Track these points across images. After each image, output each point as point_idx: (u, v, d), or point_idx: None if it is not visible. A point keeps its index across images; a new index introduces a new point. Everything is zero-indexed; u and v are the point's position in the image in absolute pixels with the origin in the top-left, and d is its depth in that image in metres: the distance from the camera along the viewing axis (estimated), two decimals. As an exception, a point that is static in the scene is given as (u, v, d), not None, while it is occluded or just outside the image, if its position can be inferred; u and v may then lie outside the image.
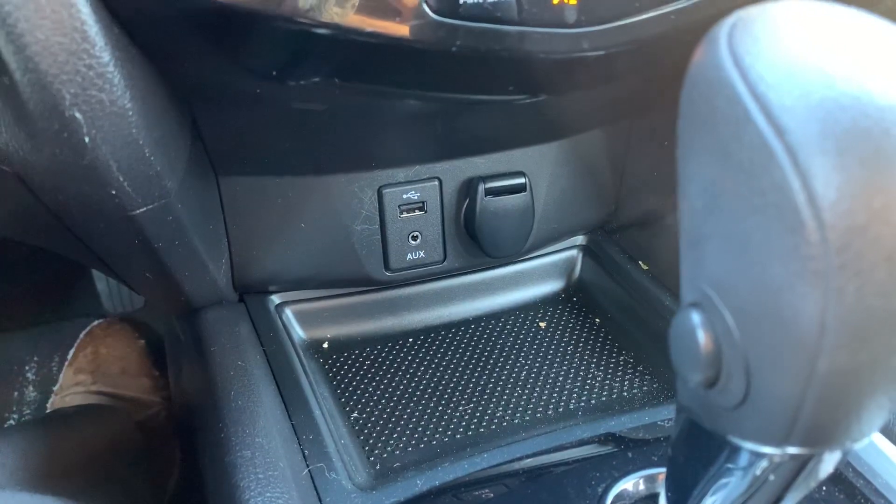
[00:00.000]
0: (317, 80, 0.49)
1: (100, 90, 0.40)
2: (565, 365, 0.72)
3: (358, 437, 0.63)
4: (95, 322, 1.32)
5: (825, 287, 0.25)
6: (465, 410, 0.67)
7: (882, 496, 0.49)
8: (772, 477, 0.33)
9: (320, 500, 0.51)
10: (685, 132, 0.30)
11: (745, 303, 0.28)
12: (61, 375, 1.28)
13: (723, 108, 0.27)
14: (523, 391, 0.69)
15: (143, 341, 1.29)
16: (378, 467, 0.60)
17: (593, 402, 0.67)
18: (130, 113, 0.42)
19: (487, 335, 0.77)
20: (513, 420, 0.65)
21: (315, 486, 0.52)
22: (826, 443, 0.30)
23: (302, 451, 0.55)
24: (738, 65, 0.26)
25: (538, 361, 0.73)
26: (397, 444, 0.63)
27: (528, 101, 0.59)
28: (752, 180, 0.26)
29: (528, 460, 0.55)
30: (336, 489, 0.52)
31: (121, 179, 0.45)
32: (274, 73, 0.47)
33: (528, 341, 0.76)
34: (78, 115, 0.40)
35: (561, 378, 0.70)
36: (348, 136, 0.63)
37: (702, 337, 0.30)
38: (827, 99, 0.24)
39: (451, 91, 0.54)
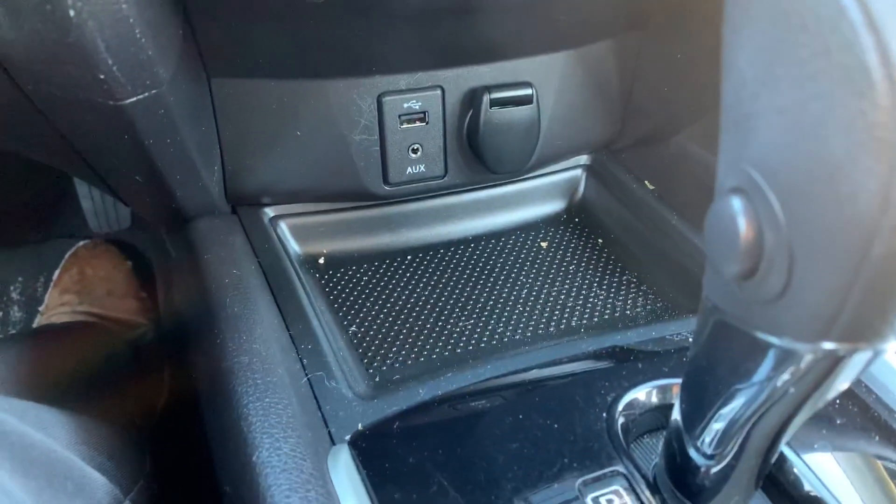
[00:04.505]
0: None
1: (85, -45, 0.36)
2: (567, 284, 0.71)
3: (357, 350, 0.62)
4: (81, 243, 1.30)
5: (892, 159, 0.23)
6: (465, 326, 0.65)
7: (893, 412, 0.49)
8: (793, 386, 0.32)
9: (319, 407, 0.50)
10: (737, -3, 0.27)
11: (795, 183, 0.26)
12: (47, 296, 1.27)
13: (786, -38, 0.24)
14: (524, 308, 0.67)
15: (129, 263, 1.28)
16: (377, 379, 0.59)
17: (596, 319, 0.66)
18: (119, -15, 0.39)
19: (488, 254, 0.75)
20: (514, 336, 0.64)
21: (314, 394, 0.51)
22: (868, 337, 0.28)
23: (300, 360, 0.54)
24: (804, -88, 0.24)
25: (539, 280, 0.71)
26: (396, 358, 0.62)
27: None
28: (815, 41, 0.23)
29: (533, 372, 0.54)
30: (336, 397, 0.51)
31: (109, 62, 0.41)
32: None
33: (529, 260, 0.74)
34: (62, -17, 0.37)
35: (563, 296, 0.69)
36: (347, 35, 0.60)
37: (742, 224, 0.28)
38: (908, -54, 0.22)
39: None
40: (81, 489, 0.48)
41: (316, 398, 0.51)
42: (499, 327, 0.65)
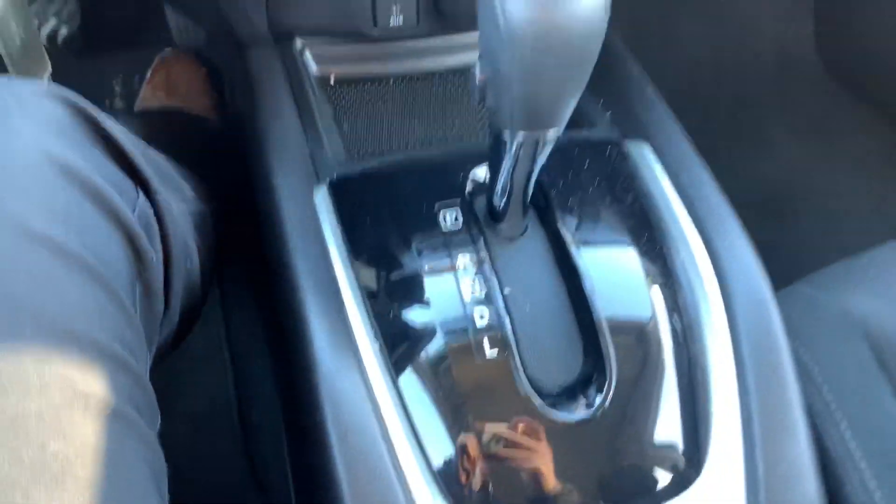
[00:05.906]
0: None
1: None
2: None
3: (346, 139, 0.98)
4: (167, 50, 1.60)
5: (513, 52, 0.56)
6: (422, 125, 1.00)
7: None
8: (522, 151, 0.66)
9: (314, 164, 0.87)
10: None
11: (491, 59, 0.59)
12: (142, 90, 1.56)
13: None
14: (465, 119, 1.02)
15: (205, 69, 1.58)
16: (356, 154, 0.95)
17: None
18: None
19: (447, 82, 1.07)
20: (450, 132, 0.99)
21: (312, 157, 0.88)
22: (538, 128, 0.62)
23: (305, 135, 0.90)
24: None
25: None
26: (372, 142, 0.97)
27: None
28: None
29: (447, 155, 0.90)
30: (324, 159, 0.88)
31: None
32: None
33: (475, 89, 1.07)
34: None
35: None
36: None
37: (478, 74, 0.61)
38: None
39: None
40: (181, 189, 0.86)
41: (312, 160, 0.88)
42: (449, 129, 1.00)
